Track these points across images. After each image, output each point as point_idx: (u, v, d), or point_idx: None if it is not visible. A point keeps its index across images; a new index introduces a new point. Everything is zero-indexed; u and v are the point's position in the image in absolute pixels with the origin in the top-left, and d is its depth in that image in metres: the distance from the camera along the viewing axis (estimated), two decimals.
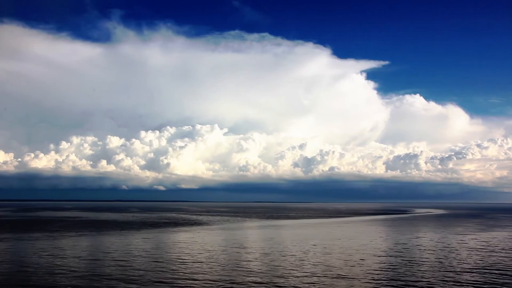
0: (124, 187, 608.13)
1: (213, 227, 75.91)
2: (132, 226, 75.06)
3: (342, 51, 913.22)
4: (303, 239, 53.17)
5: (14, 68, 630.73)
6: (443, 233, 63.13)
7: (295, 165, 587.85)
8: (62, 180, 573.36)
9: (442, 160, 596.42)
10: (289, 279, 27.69)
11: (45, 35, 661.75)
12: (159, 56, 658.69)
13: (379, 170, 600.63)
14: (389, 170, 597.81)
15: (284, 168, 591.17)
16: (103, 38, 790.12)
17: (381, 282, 26.85)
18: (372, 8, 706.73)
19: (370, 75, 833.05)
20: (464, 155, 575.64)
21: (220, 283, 26.51)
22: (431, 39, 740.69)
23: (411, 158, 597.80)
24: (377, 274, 29.34)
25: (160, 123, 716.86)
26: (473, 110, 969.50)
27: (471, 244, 48.27)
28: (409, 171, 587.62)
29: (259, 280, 27.46)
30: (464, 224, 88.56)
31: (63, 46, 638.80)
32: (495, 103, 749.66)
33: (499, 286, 26.00)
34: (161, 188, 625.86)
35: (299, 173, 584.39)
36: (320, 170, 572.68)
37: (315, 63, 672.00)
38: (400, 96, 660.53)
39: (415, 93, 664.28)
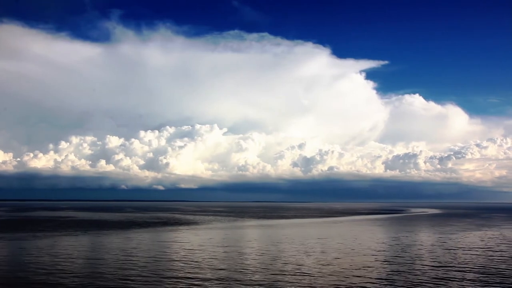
0: (123, 187, 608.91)
1: (200, 226, 76.14)
2: (119, 226, 75.31)
3: (341, 51, 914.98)
4: (285, 239, 53.40)
5: (14, 68, 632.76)
6: (428, 233, 63.38)
7: (294, 164, 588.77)
8: (61, 180, 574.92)
9: (441, 159, 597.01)
10: (254, 276, 27.91)
11: (44, 35, 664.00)
12: (159, 56, 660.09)
13: (378, 170, 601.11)
14: (388, 170, 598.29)
15: (283, 168, 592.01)
16: (103, 38, 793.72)
17: (345, 280, 27.05)
18: (372, 8, 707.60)
19: (370, 75, 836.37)
20: (464, 155, 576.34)
21: (182, 280, 26.72)
22: (430, 39, 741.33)
23: (410, 157, 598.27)
24: (344, 273, 29.53)
25: (159, 123, 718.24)
26: (472, 110, 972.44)
27: (450, 243, 48.38)
28: (408, 170, 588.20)
29: (221, 276, 27.66)
30: (454, 223, 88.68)
31: (62, 46, 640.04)
32: (494, 102, 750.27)
33: (458, 283, 26.20)
34: (160, 188, 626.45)
35: (298, 172, 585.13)
36: (319, 170, 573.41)
37: (315, 63, 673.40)
38: (400, 96, 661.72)
39: (414, 93, 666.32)
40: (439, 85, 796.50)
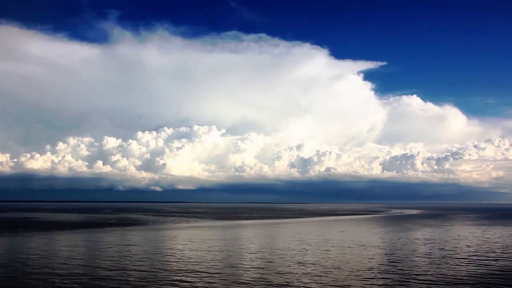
0: (120, 188, 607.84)
1: (143, 227, 76.89)
2: (64, 227, 76.18)
3: (339, 52, 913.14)
4: (218, 239, 54.27)
5: (11, 69, 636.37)
6: (357, 232, 64.06)
7: (292, 165, 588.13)
8: (58, 181, 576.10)
9: (439, 160, 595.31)
10: (157, 274, 28.71)
11: (42, 36, 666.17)
12: (156, 57, 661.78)
13: (376, 171, 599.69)
14: (385, 171, 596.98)
15: (281, 168, 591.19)
16: (100, 38, 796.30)
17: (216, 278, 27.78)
18: (370, 9, 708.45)
19: (368, 75, 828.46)
20: (461, 156, 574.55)
21: (76, 279, 27.50)
22: (428, 40, 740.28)
23: (407, 158, 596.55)
24: (247, 269, 30.27)
25: (157, 124, 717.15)
26: (470, 110, 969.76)
27: (376, 242, 49.16)
28: (405, 171, 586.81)
29: (113, 275, 28.46)
30: (407, 224, 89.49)
31: (60, 46, 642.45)
32: (492, 103, 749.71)
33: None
34: (158, 189, 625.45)
35: (295, 173, 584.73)
36: (316, 171, 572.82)
37: (313, 64, 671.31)
38: (397, 97, 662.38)
39: (412, 94, 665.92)
40: (437, 86, 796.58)
